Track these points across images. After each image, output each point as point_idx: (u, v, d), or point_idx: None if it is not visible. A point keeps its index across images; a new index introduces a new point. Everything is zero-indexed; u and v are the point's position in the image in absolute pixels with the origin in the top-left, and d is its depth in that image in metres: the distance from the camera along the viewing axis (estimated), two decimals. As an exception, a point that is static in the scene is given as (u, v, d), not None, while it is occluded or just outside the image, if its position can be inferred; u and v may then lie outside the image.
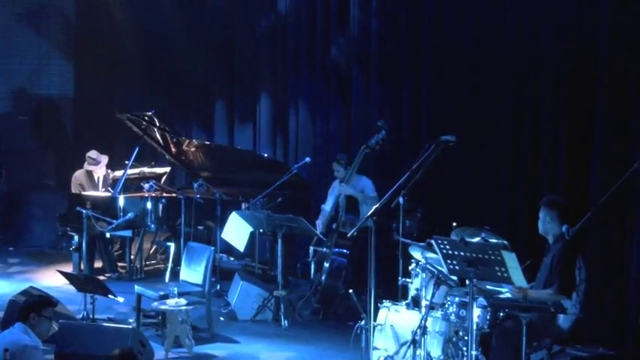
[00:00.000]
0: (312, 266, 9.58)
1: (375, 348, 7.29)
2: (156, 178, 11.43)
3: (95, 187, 11.09)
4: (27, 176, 13.60)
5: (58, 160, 14.21)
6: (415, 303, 7.39)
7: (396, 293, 7.86)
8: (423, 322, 6.83)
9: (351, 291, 7.67)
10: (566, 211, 6.88)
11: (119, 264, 11.21)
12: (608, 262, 8.07)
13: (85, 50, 14.63)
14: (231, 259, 11.39)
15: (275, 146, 12.12)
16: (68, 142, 14.59)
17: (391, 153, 9.99)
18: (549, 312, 6.41)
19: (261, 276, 10.38)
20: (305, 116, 11.68)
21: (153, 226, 10.70)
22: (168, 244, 10.86)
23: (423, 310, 7.06)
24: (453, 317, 6.88)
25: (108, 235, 10.61)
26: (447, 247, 6.32)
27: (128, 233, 10.65)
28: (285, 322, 8.91)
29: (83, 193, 10.81)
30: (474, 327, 6.49)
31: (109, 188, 10.90)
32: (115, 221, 10.04)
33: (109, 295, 7.96)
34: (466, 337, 6.57)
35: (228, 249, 10.59)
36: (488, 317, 6.73)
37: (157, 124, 10.92)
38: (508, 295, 6.78)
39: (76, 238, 10.54)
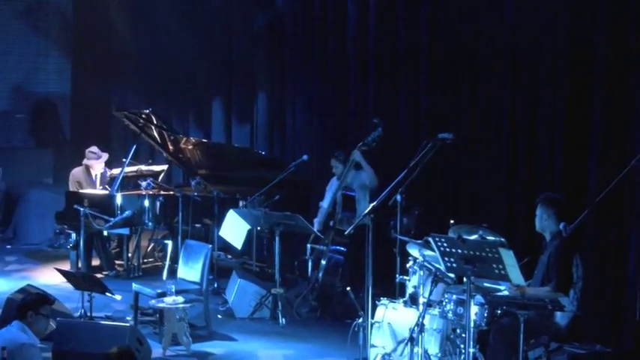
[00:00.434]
0: (310, 264, 9.59)
1: (373, 345, 7.29)
2: (153, 175, 11.43)
3: (93, 184, 11.08)
4: (24, 174, 13.60)
5: (56, 158, 14.22)
6: (413, 300, 7.38)
7: (393, 291, 7.86)
8: (420, 319, 6.83)
9: (348, 288, 7.68)
10: (563, 208, 6.88)
11: (117, 262, 11.21)
12: (605, 260, 8.07)
13: (82, 48, 14.63)
14: (229, 256, 11.38)
15: (272, 144, 12.12)
16: (66, 140, 14.61)
17: (388, 150, 9.98)
18: (547, 309, 6.41)
19: (258, 274, 10.39)
20: (302, 114, 11.69)
21: (150, 223, 10.69)
22: (166, 241, 10.86)
23: (421, 307, 7.06)
24: (450, 315, 6.88)
25: (105, 232, 10.60)
26: (445, 244, 6.32)
27: (126, 231, 10.65)
28: (283, 319, 8.91)
29: (81, 190, 10.80)
30: (472, 324, 6.49)
31: (107, 186, 10.89)
32: (112, 219, 10.02)
33: (107, 293, 7.96)
34: (463, 335, 6.56)
35: (226, 247, 10.58)
36: (485, 315, 6.73)
37: (155, 122, 10.92)
38: (506, 292, 6.78)
39: (74, 235, 10.55)
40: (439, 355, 7.01)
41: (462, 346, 6.66)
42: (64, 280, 8.62)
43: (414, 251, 7.49)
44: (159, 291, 8.22)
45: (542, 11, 8.63)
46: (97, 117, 14.67)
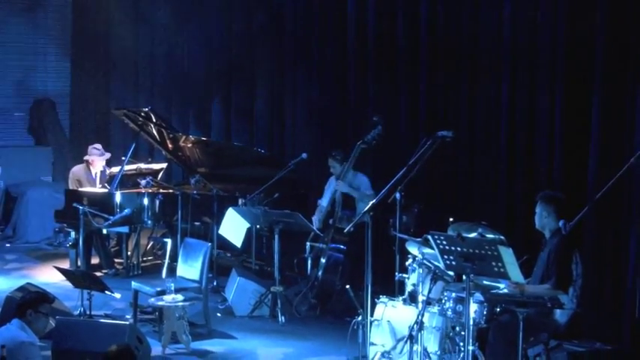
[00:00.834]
0: (309, 262, 9.58)
1: (372, 343, 7.30)
2: (152, 174, 11.43)
3: (92, 183, 11.08)
4: (24, 172, 13.59)
5: (55, 157, 14.21)
6: (412, 298, 7.39)
7: (392, 289, 7.86)
8: (419, 317, 6.83)
9: (347, 286, 7.68)
10: (562, 205, 6.89)
11: (116, 260, 11.20)
12: (605, 257, 8.08)
13: (81, 47, 14.62)
14: (228, 254, 11.38)
15: (272, 142, 12.11)
16: (65, 139, 14.59)
17: (388, 148, 9.97)
18: (546, 307, 6.41)
19: (258, 272, 10.38)
20: (302, 112, 11.68)
21: (150, 222, 10.69)
22: (165, 240, 10.85)
23: (420, 305, 7.06)
24: (449, 312, 6.88)
25: (105, 231, 10.59)
26: (444, 242, 6.32)
27: (125, 229, 10.64)
28: (282, 317, 8.91)
29: (80, 189, 10.79)
30: (471, 322, 6.49)
31: (106, 184, 10.89)
32: (111, 217, 10.02)
33: (106, 292, 7.96)
34: (463, 333, 6.57)
35: (225, 245, 10.57)
36: (485, 312, 6.73)
37: (154, 120, 10.91)
38: (505, 290, 6.78)
39: (73, 234, 10.54)
40: (438, 352, 7.01)
41: (462, 343, 6.66)
42: (64, 278, 8.62)
43: (413, 249, 7.49)
44: (158, 289, 8.23)
45: (542, 10, 8.62)
46: (96, 116, 14.67)
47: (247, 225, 9.48)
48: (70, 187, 10.98)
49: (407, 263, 7.51)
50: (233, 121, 12.84)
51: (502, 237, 6.73)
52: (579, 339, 7.77)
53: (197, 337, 8.27)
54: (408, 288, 7.46)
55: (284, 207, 9.43)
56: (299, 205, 10.10)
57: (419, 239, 7.30)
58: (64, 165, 13.73)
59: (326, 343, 8.27)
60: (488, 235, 6.84)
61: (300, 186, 10.82)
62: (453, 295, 6.85)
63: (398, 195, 7.50)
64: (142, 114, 10.85)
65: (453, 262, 6.35)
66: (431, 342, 7.02)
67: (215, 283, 9.97)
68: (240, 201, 10.40)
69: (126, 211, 10.18)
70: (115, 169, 10.98)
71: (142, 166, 11.63)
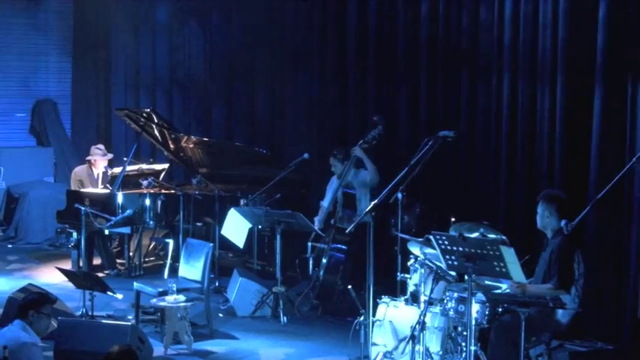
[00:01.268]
0: (311, 262, 9.59)
1: (374, 344, 7.30)
2: (154, 174, 11.42)
3: (94, 183, 11.08)
4: (25, 173, 13.59)
5: (57, 157, 14.21)
6: (414, 298, 7.39)
7: (394, 289, 7.86)
8: (421, 317, 6.84)
9: (349, 287, 7.67)
10: (564, 205, 6.88)
11: (118, 261, 11.20)
12: (606, 257, 8.08)
13: (82, 47, 14.62)
14: (230, 255, 11.39)
15: (273, 142, 12.11)
16: (66, 139, 14.59)
17: (389, 148, 9.98)
18: (548, 307, 6.41)
19: (259, 272, 10.38)
20: (303, 112, 11.69)
21: (151, 222, 10.69)
22: (167, 240, 10.84)
23: (422, 305, 7.07)
24: (451, 313, 6.87)
25: (106, 231, 10.58)
26: (446, 242, 6.32)
27: (127, 230, 10.64)
28: (284, 318, 8.91)
29: (82, 189, 10.80)
30: (473, 322, 6.49)
31: (108, 185, 10.89)
32: (113, 218, 10.02)
33: (108, 292, 7.96)
34: (465, 333, 6.56)
35: (227, 245, 10.57)
36: (486, 312, 6.73)
37: (156, 121, 10.91)
38: (507, 290, 6.79)
39: (75, 234, 10.54)
40: (440, 353, 7.01)
41: (463, 344, 6.66)
42: (66, 279, 8.62)
43: (415, 249, 7.49)
44: (160, 290, 8.22)
45: (542, 8, 8.62)
46: (97, 116, 14.67)
47: (249, 225, 9.48)
48: (71, 188, 10.98)
49: (409, 263, 7.52)
50: (234, 122, 12.85)
51: (504, 237, 6.74)
52: (581, 339, 7.79)
53: (199, 337, 8.27)
54: (410, 288, 7.46)
55: (285, 207, 9.43)
56: (300, 205, 10.11)
57: (421, 239, 7.30)
58: (66, 166, 13.73)
59: (328, 344, 8.26)
60: (490, 235, 6.83)
61: (301, 186, 10.82)
62: (455, 295, 6.85)
63: (399, 195, 7.51)
64: (144, 114, 10.85)
65: (455, 262, 6.34)
66: (433, 342, 7.02)
67: (217, 284, 9.97)
68: (241, 201, 10.40)
69: (128, 211, 10.18)
70: (117, 170, 10.98)
71: (144, 166, 11.62)
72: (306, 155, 9.98)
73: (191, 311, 8.23)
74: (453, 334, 7.03)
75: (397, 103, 10.32)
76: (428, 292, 7.07)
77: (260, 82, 12.40)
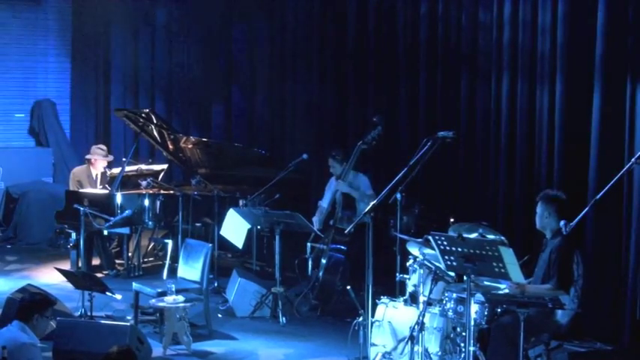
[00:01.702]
0: (310, 263, 9.58)
1: (373, 344, 7.29)
2: (153, 175, 11.42)
3: (93, 184, 11.07)
4: (24, 173, 13.59)
5: (55, 158, 14.21)
6: (413, 299, 7.39)
7: (393, 289, 7.86)
8: (420, 318, 6.83)
9: (348, 287, 7.67)
10: (563, 206, 6.89)
11: (117, 261, 11.20)
12: (605, 257, 8.08)
13: (82, 48, 14.62)
14: (229, 255, 11.39)
15: (272, 143, 12.11)
16: (65, 140, 14.58)
17: (388, 149, 9.99)
18: (547, 307, 6.41)
19: (259, 273, 10.38)
20: (302, 112, 11.68)
21: (150, 223, 10.68)
22: (166, 241, 10.86)
23: (421, 306, 7.06)
24: (450, 313, 6.88)
25: (105, 232, 10.58)
26: (445, 243, 6.32)
27: (126, 230, 10.63)
28: (283, 318, 8.90)
29: (81, 190, 10.79)
30: (472, 323, 6.49)
31: (107, 185, 10.89)
32: (112, 218, 10.01)
33: (107, 293, 7.96)
34: (464, 333, 6.56)
35: (226, 246, 10.57)
36: (485, 313, 6.73)
37: (154, 121, 10.92)
38: (506, 290, 6.78)
39: (74, 235, 10.53)
40: (439, 353, 7.01)
41: (463, 344, 6.66)
42: (65, 279, 8.61)
43: (414, 250, 7.49)
44: (159, 290, 8.22)
45: (541, 10, 8.62)
46: (96, 117, 14.67)
47: (248, 226, 9.48)
48: (70, 188, 10.98)
49: (408, 264, 7.52)
50: (233, 122, 12.85)
51: (503, 237, 6.75)
52: (580, 339, 7.79)
53: (198, 338, 8.27)
54: (409, 288, 7.46)
55: (285, 208, 9.43)
56: (299, 205, 10.11)
57: (420, 240, 7.30)
58: (65, 166, 13.73)
59: (327, 344, 8.26)
60: (488, 236, 6.84)
61: (300, 187, 10.82)
62: (454, 295, 6.85)
63: (399, 195, 7.51)
64: (143, 115, 10.86)
65: (454, 263, 6.35)
66: (432, 343, 7.02)
67: (216, 284, 9.97)
68: (240, 202, 10.40)
69: (127, 212, 10.17)
70: (116, 171, 10.98)
71: (143, 167, 11.63)
72: (305, 156, 9.98)
73: (190, 312, 8.23)
74: (452, 335, 7.02)
75: (397, 103, 10.32)
76: (427, 293, 7.07)
77: (259, 83, 12.40)
